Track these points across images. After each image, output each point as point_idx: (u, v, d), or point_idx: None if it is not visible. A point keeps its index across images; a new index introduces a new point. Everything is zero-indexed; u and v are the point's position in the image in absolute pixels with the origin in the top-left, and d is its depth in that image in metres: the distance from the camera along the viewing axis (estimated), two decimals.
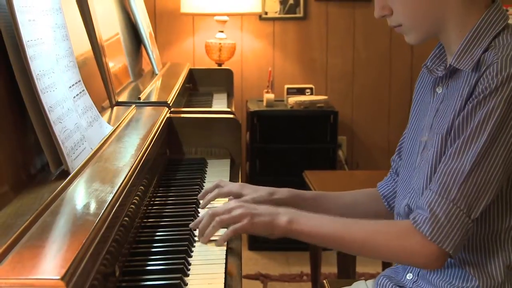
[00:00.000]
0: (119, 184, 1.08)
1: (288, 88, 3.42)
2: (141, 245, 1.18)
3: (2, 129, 1.03)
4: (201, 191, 1.44)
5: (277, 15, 3.56)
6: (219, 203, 1.35)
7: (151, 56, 2.44)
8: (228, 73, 2.91)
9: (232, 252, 1.19)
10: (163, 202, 1.43)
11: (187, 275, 1.07)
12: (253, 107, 3.31)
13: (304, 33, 3.59)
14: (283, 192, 1.36)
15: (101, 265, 0.90)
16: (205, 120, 1.85)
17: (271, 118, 3.27)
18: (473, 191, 1.08)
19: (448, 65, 1.20)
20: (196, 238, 1.22)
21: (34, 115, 1.09)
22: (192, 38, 3.57)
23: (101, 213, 0.94)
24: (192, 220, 1.27)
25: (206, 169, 1.72)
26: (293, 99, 3.30)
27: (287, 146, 3.27)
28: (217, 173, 1.69)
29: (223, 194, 1.37)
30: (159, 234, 1.24)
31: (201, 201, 1.39)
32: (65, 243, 0.85)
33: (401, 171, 1.33)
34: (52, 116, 1.10)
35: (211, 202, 1.37)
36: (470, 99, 1.11)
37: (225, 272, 1.09)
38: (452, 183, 1.09)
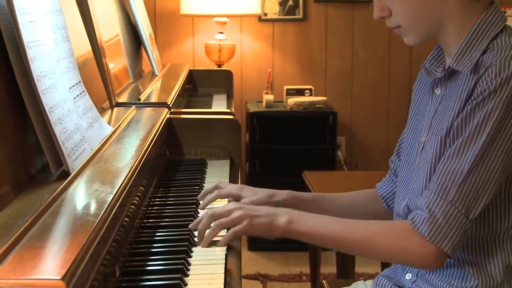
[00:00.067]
0: (119, 185, 1.09)
1: (287, 89, 3.42)
2: (141, 246, 1.19)
3: (2, 129, 1.03)
4: (201, 192, 1.44)
5: (276, 17, 3.56)
6: (219, 204, 1.35)
7: (151, 57, 2.44)
8: (228, 74, 2.91)
9: (231, 252, 1.20)
10: (163, 202, 1.44)
11: (187, 275, 1.07)
12: (252, 108, 3.32)
13: (303, 34, 3.60)
14: (282, 194, 1.36)
15: (101, 265, 0.90)
16: (205, 121, 1.85)
17: (270, 119, 3.28)
18: (471, 192, 1.09)
19: (446, 67, 1.20)
20: (196, 239, 1.22)
21: (34, 116, 1.09)
22: (192, 39, 3.57)
23: (101, 214, 0.94)
24: (192, 221, 1.28)
25: (206, 169, 1.72)
26: (292, 100, 3.30)
27: (287, 146, 3.27)
28: (217, 174, 1.69)
29: (222, 196, 1.37)
30: (159, 234, 1.25)
31: (200, 202, 1.40)
32: (66, 243, 0.85)
33: (400, 171, 1.33)
34: (52, 117, 1.11)
35: (211, 203, 1.38)
36: (469, 101, 1.11)
37: (225, 272, 1.10)
38: (451, 183, 1.09)
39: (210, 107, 2.49)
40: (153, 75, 2.42)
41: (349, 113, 3.66)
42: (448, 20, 1.18)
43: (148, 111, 1.74)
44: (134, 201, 1.22)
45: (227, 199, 1.38)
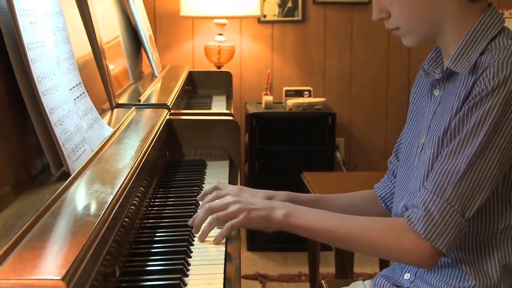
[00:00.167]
0: (119, 186, 1.09)
1: (286, 90, 3.43)
2: (141, 246, 1.19)
3: (3, 130, 1.03)
4: (200, 193, 1.45)
5: (275, 18, 3.57)
6: None
7: (151, 58, 2.44)
8: (227, 76, 2.92)
9: (231, 253, 1.20)
10: (162, 203, 1.44)
11: (187, 275, 1.08)
12: (252, 109, 3.32)
13: (302, 35, 3.60)
14: (281, 195, 1.37)
15: (101, 266, 0.91)
16: (204, 122, 1.86)
17: (269, 120, 3.28)
18: (467, 191, 1.09)
19: (445, 68, 1.21)
20: (195, 239, 1.23)
21: (35, 117, 1.10)
22: (192, 41, 3.58)
23: (102, 214, 0.95)
24: None
25: (206, 170, 1.73)
26: (291, 101, 3.31)
27: (286, 147, 3.28)
28: (216, 175, 1.70)
29: (221, 197, 1.37)
30: (159, 234, 1.25)
31: (200, 203, 1.40)
32: (66, 244, 0.85)
33: (398, 172, 1.34)
34: (52, 118, 1.11)
35: None
36: (467, 101, 1.12)
37: (224, 272, 1.10)
38: (447, 182, 1.10)
39: (210, 108, 2.50)
40: (153, 76, 2.43)
41: (347, 114, 3.66)
42: (446, 22, 1.18)
43: (148, 112, 1.75)
44: (134, 201, 1.22)
45: None
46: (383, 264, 2.39)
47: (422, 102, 1.30)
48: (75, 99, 1.27)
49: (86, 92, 1.36)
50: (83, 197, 1.05)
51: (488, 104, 1.09)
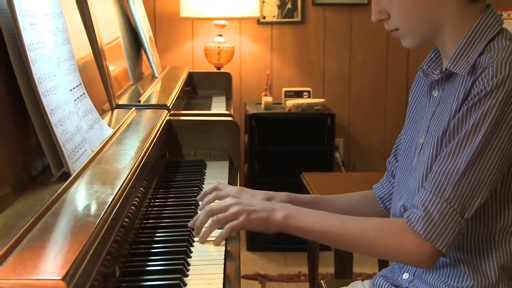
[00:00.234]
0: (119, 186, 1.09)
1: (286, 91, 3.43)
2: (141, 246, 1.19)
3: (3, 131, 1.04)
4: (200, 193, 1.45)
5: (275, 19, 3.57)
6: None
7: (151, 59, 2.45)
8: (227, 77, 2.92)
9: (230, 253, 1.20)
10: (162, 203, 1.45)
11: (187, 276, 1.08)
12: (251, 110, 3.33)
13: (301, 37, 3.61)
14: (280, 196, 1.37)
15: (101, 266, 0.91)
16: (204, 123, 1.86)
17: (269, 121, 3.29)
18: (466, 191, 1.10)
19: (444, 69, 1.21)
20: (195, 239, 1.23)
21: (35, 117, 1.10)
22: (191, 42, 3.58)
23: (102, 215, 0.95)
24: None
25: (205, 171, 1.73)
26: (291, 102, 3.31)
27: (285, 148, 3.28)
28: (216, 175, 1.70)
29: (221, 197, 1.38)
30: (159, 235, 1.25)
31: (200, 203, 1.40)
32: (66, 244, 0.86)
33: (397, 172, 1.34)
34: (53, 119, 1.11)
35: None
36: (466, 101, 1.12)
37: (224, 272, 1.10)
38: (446, 182, 1.10)
39: (209, 109, 2.50)
40: (153, 77, 2.43)
41: (347, 115, 3.67)
42: (445, 23, 1.19)
43: (148, 113, 1.75)
44: (134, 202, 1.23)
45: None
46: (382, 264, 2.40)
47: (421, 102, 1.31)
48: (75, 100, 1.28)
49: (86, 93, 1.36)
50: (83, 198, 1.06)
51: (487, 104, 1.09)
